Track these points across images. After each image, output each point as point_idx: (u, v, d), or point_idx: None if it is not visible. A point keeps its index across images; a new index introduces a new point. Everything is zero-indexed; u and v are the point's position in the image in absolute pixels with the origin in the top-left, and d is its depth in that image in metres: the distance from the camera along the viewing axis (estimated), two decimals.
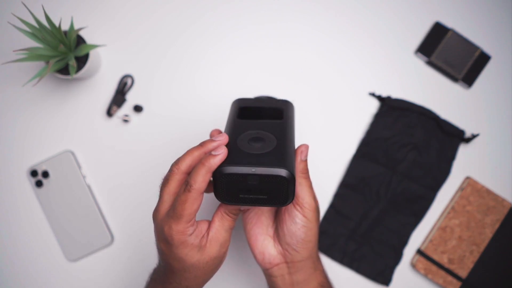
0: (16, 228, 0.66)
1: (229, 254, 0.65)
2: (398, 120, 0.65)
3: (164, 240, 0.42)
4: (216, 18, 0.67)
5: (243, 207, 0.42)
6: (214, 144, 0.42)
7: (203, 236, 0.43)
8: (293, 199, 0.42)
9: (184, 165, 0.43)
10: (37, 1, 0.63)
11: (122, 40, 0.67)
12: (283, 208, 0.49)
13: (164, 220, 0.42)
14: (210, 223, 0.45)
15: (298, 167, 0.47)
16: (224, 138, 0.43)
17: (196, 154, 0.43)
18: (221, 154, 0.40)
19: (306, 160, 0.48)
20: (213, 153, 0.41)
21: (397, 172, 0.65)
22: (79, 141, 0.66)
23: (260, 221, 0.51)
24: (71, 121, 0.66)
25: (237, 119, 0.48)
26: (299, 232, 0.47)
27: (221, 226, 0.44)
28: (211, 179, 0.42)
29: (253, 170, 0.40)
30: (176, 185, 0.43)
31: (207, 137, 0.62)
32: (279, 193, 0.41)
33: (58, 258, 0.66)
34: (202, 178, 0.40)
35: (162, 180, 0.44)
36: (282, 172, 0.40)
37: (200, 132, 0.66)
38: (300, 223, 0.47)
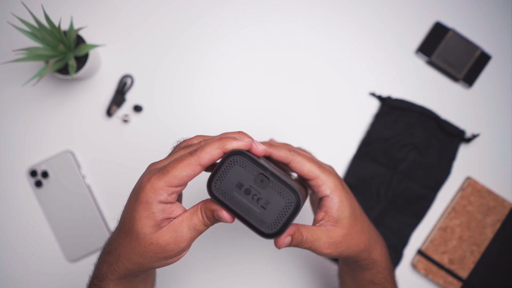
0: (15, 228, 0.66)
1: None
2: (399, 120, 0.65)
3: (135, 190, 0.38)
4: (217, 18, 0.67)
5: (219, 216, 0.38)
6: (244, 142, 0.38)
7: (168, 218, 0.38)
8: (279, 235, 0.36)
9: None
10: (36, 1, 0.63)
11: (122, 40, 0.67)
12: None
13: (152, 171, 0.38)
14: (182, 212, 0.40)
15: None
16: (258, 145, 0.39)
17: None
18: (244, 142, 0.37)
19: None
20: (237, 137, 0.38)
21: (398, 172, 0.65)
22: (79, 141, 0.66)
23: None
24: (70, 121, 0.66)
25: None
26: None
27: (188, 219, 0.38)
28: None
29: (270, 169, 0.36)
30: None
31: None
32: (276, 213, 0.36)
33: (57, 259, 0.66)
34: (209, 149, 0.36)
35: (183, 140, 0.41)
36: (296, 193, 0.36)
37: (200, 132, 0.66)
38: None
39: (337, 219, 0.44)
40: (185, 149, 0.39)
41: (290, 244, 0.41)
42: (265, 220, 0.36)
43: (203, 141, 0.40)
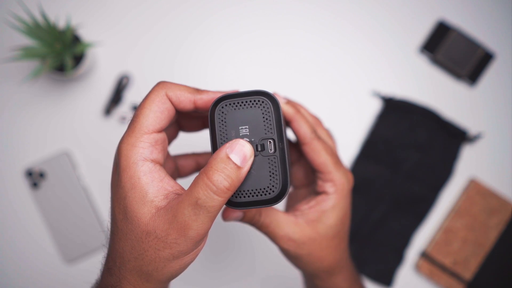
0: (11, 230, 0.65)
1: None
2: (401, 121, 0.65)
3: (114, 165, 0.30)
4: (215, 20, 0.66)
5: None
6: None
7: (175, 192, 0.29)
8: (233, 207, 0.29)
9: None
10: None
11: (120, 38, 0.66)
12: None
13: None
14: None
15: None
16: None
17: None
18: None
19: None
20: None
21: (400, 172, 0.64)
22: (76, 141, 0.65)
23: None
24: (68, 121, 0.65)
25: None
26: None
27: (188, 193, 0.27)
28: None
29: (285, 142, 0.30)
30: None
31: (206, 138, 0.61)
32: (252, 186, 0.29)
33: (54, 260, 0.65)
34: (184, 88, 0.32)
35: None
36: (285, 189, 0.29)
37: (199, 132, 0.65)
38: None
39: (316, 220, 0.37)
40: None
41: (242, 221, 0.35)
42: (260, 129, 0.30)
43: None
